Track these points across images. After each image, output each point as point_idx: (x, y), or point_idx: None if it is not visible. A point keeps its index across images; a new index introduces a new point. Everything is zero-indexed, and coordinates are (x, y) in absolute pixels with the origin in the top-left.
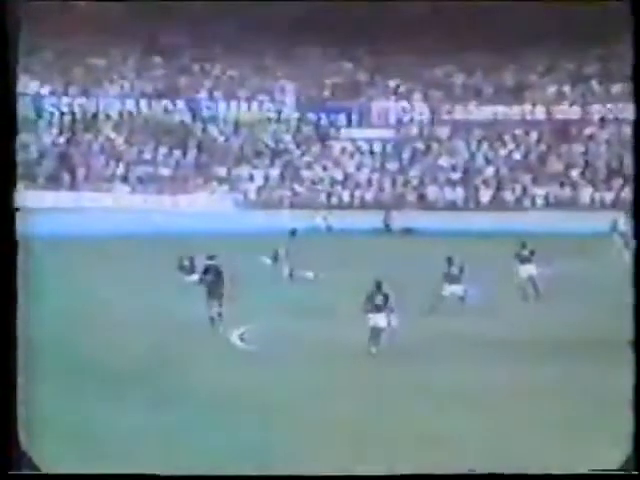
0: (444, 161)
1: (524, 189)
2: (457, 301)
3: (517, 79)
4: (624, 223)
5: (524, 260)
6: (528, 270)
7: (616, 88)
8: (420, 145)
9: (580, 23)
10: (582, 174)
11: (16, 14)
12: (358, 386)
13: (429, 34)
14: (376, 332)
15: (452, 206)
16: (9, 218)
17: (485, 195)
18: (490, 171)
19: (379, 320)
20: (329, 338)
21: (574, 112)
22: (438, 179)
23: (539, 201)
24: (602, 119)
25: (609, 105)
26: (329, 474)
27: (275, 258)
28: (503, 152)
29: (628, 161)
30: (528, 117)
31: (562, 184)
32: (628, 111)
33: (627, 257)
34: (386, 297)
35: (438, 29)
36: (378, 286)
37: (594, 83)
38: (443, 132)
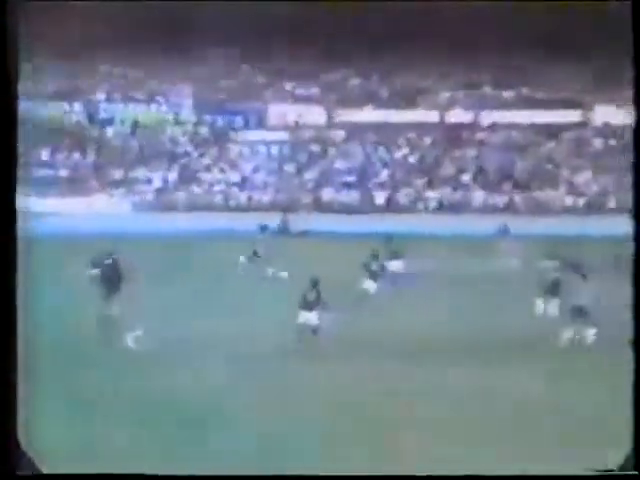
0: (340, 164)
1: (418, 192)
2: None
3: (411, 84)
4: (514, 227)
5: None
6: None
7: (508, 94)
8: (316, 148)
9: (472, 29)
10: (474, 178)
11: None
12: (263, 386)
13: (325, 38)
14: (307, 329)
15: (348, 208)
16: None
17: (380, 198)
18: (385, 174)
19: (310, 317)
20: (234, 337)
21: (466, 117)
22: (334, 182)
23: (432, 204)
24: (493, 124)
25: (500, 111)
26: (329, 474)
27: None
28: (397, 155)
29: (519, 165)
30: (422, 121)
31: (454, 188)
32: (519, 116)
33: (515, 260)
34: (319, 295)
35: (334, 33)
36: (314, 284)
37: (486, 89)
38: (339, 135)
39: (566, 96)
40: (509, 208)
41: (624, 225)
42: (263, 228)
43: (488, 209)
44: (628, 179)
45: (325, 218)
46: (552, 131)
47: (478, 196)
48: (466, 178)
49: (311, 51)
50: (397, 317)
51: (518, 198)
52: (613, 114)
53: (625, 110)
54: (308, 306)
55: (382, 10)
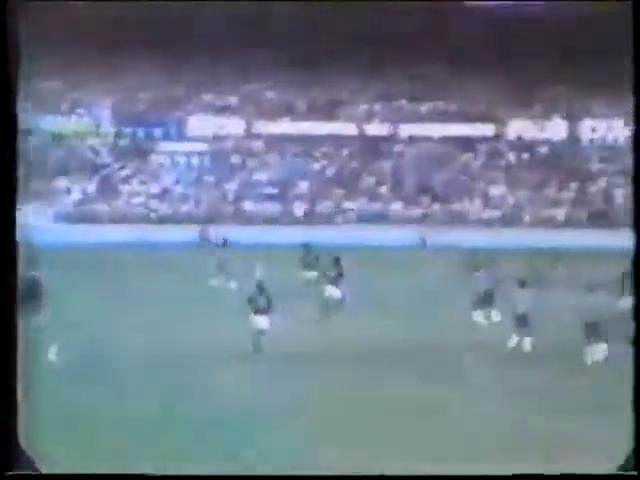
0: (259, 175)
1: (337, 204)
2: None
3: (329, 96)
4: (431, 238)
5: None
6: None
7: (424, 107)
8: (236, 159)
9: (390, 43)
10: (392, 190)
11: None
12: (205, 388)
13: (243, 49)
14: (258, 334)
15: (268, 220)
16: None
17: (299, 209)
18: (304, 186)
19: (261, 322)
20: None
21: (384, 129)
22: (254, 193)
23: (351, 215)
24: (410, 137)
25: (417, 123)
26: (329, 474)
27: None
28: (316, 167)
29: (436, 178)
30: (340, 134)
31: (373, 199)
32: (435, 129)
33: (436, 271)
34: (269, 300)
35: (253, 44)
36: (260, 289)
37: (403, 102)
38: (258, 147)
39: (481, 110)
40: (426, 220)
41: (539, 238)
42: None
43: (406, 221)
44: (542, 192)
45: (245, 230)
46: (467, 144)
47: (396, 208)
48: (384, 190)
49: (230, 62)
50: (341, 326)
51: (435, 210)
52: (526, 128)
53: (538, 125)
54: (259, 311)
55: (300, 23)
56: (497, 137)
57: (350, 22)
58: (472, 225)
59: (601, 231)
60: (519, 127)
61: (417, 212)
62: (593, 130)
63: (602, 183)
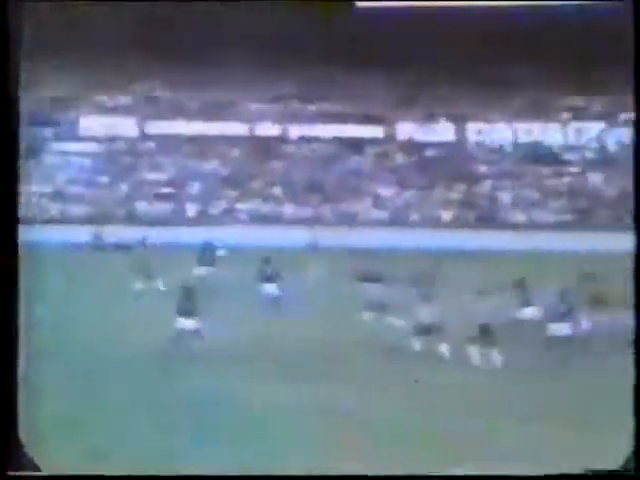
0: (152, 176)
1: (229, 204)
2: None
3: (221, 97)
4: (323, 239)
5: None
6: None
7: (314, 108)
8: (128, 160)
9: (281, 43)
10: (283, 191)
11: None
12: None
13: (135, 49)
14: (182, 335)
15: (160, 221)
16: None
17: (192, 210)
18: (196, 186)
19: (187, 324)
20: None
21: (275, 130)
22: (146, 194)
23: (243, 216)
24: (301, 138)
25: (308, 124)
26: (329, 474)
27: None
28: (208, 168)
29: (327, 178)
30: (231, 134)
31: (265, 200)
32: (325, 130)
33: (323, 271)
34: (193, 303)
35: (144, 44)
36: (187, 291)
37: (294, 103)
38: (150, 147)
39: (370, 111)
40: (318, 220)
41: (427, 238)
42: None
43: (297, 221)
44: (430, 193)
45: (138, 230)
46: (357, 145)
47: (287, 208)
48: (276, 191)
49: (121, 62)
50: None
51: (326, 210)
52: (414, 130)
53: (425, 127)
54: (185, 313)
55: (191, 21)
56: (386, 138)
57: (240, 22)
58: (362, 225)
59: (487, 232)
60: (407, 129)
61: (308, 213)
62: (479, 132)
63: (487, 185)
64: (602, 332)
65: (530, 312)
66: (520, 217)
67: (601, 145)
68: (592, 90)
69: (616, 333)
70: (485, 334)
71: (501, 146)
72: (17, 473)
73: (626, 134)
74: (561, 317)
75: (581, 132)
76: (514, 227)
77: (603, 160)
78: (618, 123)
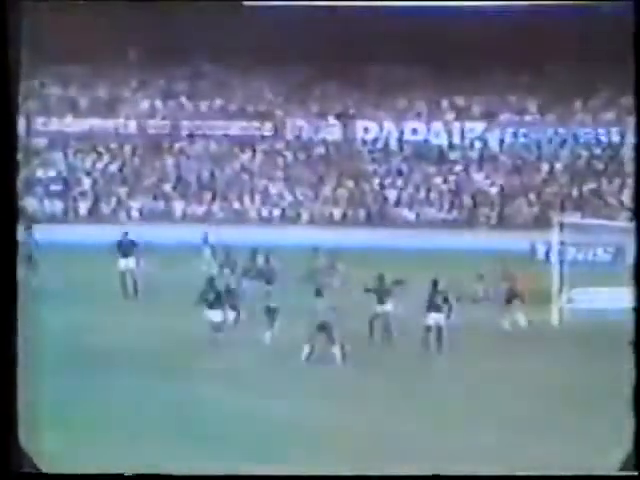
0: (42, 173)
1: (119, 201)
2: None
3: (111, 93)
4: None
5: None
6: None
7: (204, 104)
8: (18, 157)
9: (170, 39)
10: (174, 188)
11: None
12: None
13: (26, 43)
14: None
15: (52, 219)
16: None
17: (83, 207)
18: (87, 183)
19: None
20: None
21: (165, 127)
22: (36, 191)
23: (134, 214)
24: (191, 135)
25: (198, 121)
26: (330, 474)
27: None
28: (99, 165)
29: (218, 176)
30: (122, 131)
31: (155, 197)
32: (216, 127)
33: (214, 267)
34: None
35: (33, 39)
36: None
37: (183, 99)
38: (40, 144)
39: (260, 109)
40: (209, 217)
41: (317, 236)
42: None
43: (189, 219)
44: (319, 191)
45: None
46: (247, 142)
47: (179, 206)
48: (167, 188)
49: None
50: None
51: (217, 208)
52: (303, 128)
53: (314, 124)
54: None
55: (80, 20)
56: (276, 136)
57: (130, 17)
58: (252, 223)
59: (376, 230)
60: (297, 126)
61: (199, 210)
62: (367, 131)
63: (375, 183)
64: (473, 327)
65: (398, 308)
66: (408, 215)
67: (483, 144)
68: (475, 90)
69: (484, 327)
70: (323, 330)
71: (388, 145)
72: (17, 472)
73: (507, 134)
74: (438, 311)
75: (465, 131)
76: (402, 225)
77: (485, 159)
78: (499, 123)
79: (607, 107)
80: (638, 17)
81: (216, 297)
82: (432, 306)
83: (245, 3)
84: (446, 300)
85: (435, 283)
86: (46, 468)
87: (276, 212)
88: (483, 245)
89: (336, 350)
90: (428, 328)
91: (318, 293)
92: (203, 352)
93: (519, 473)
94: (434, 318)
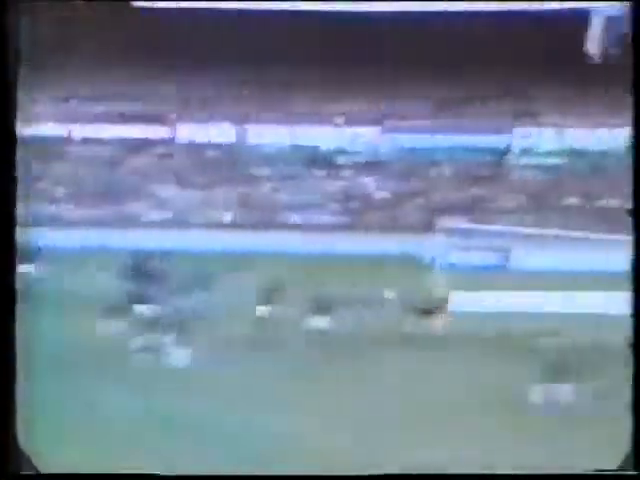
0: None
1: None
2: None
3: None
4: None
5: None
6: None
7: (99, 108)
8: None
9: (62, 42)
10: (67, 192)
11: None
12: None
13: None
14: None
15: None
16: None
17: None
18: None
19: None
20: None
21: (59, 130)
22: None
23: (28, 218)
24: (84, 139)
25: (92, 124)
26: (330, 474)
27: None
28: None
29: (111, 179)
30: (16, 135)
31: (50, 202)
32: (109, 131)
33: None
34: None
35: None
36: None
37: (75, 103)
38: None
39: (152, 112)
40: (101, 222)
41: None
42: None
43: (84, 223)
44: (211, 194)
45: None
46: (140, 146)
47: (71, 210)
48: (60, 192)
49: None
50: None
51: (109, 212)
52: (196, 132)
53: (206, 129)
54: None
55: None
56: (168, 139)
57: (26, 22)
58: (144, 227)
59: (267, 234)
60: (189, 130)
61: (92, 214)
62: (259, 135)
63: (266, 187)
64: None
65: (286, 311)
66: (298, 219)
67: (373, 150)
68: (365, 95)
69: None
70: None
71: (279, 149)
72: (17, 473)
73: (400, 139)
74: (324, 315)
75: (354, 137)
76: (292, 229)
77: (374, 164)
78: (389, 128)
79: (496, 113)
80: (638, 17)
81: (113, 303)
82: (318, 309)
83: (134, 4)
84: (332, 304)
85: (321, 287)
86: (46, 468)
87: (167, 216)
88: (372, 250)
89: (183, 352)
90: (313, 331)
91: (206, 294)
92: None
93: (519, 473)
94: (319, 321)
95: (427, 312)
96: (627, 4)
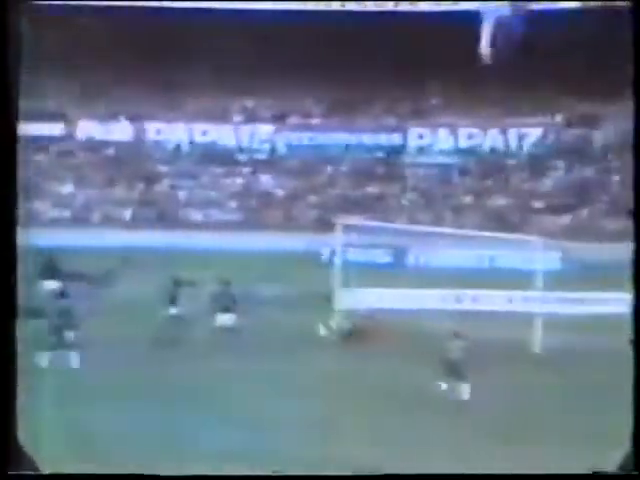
0: None
1: None
2: None
3: None
4: None
5: None
6: None
7: None
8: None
9: None
10: None
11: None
12: None
13: None
14: None
15: None
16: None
17: None
18: None
19: None
20: None
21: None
22: None
23: None
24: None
25: None
26: (330, 474)
27: None
28: None
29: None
30: None
31: None
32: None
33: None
34: None
35: None
36: None
37: None
38: None
39: (50, 109)
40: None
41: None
42: None
43: None
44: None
45: None
46: (38, 143)
47: None
48: None
49: None
50: None
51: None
52: (94, 128)
53: (105, 125)
54: None
55: None
56: (67, 136)
57: None
58: (43, 225)
59: (166, 231)
60: (88, 127)
61: None
62: (156, 132)
63: (165, 184)
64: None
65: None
66: (197, 216)
67: (272, 147)
68: (263, 93)
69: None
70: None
71: (179, 146)
72: (17, 473)
73: (297, 137)
74: (227, 312)
75: (252, 134)
76: (192, 226)
77: (272, 162)
78: (287, 126)
79: (388, 113)
80: (637, 17)
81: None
82: (221, 307)
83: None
84: (234, 301)
85: (224, 284)
86: (46, 468)
87: (66, 214)
88: (270, 246)
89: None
90: (217, 329)
91: (105, 292)
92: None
93: (519, 473)
94: (223, 319)
95: (325, 308)
96: (627, 4)
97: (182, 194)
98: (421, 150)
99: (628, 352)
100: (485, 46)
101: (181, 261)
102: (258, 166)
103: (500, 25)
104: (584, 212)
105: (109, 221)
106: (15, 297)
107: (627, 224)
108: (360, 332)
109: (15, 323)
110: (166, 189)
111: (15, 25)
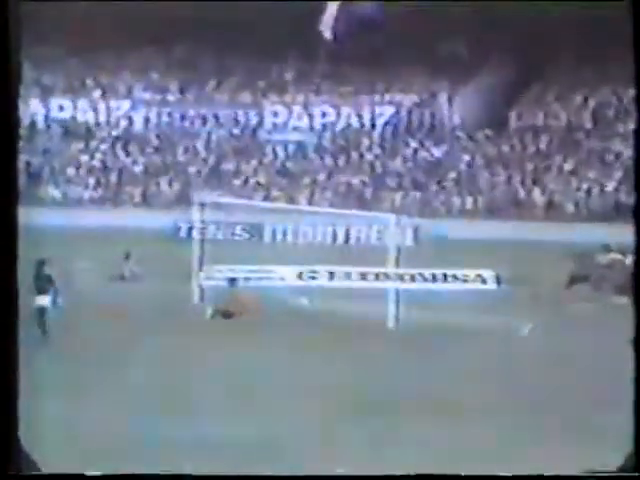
0: None
1: None
2: None
3: None
4: None
5: None
6: None
7: None
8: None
9: None
10: None
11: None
12: None
13: None
14: None
15: None
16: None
17: None
18: None
19: None
20: None
21: None
22: None
23: None
24: None
25: None
26: (330, 474)
27: None
28: None
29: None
30: None
31: None
32: None
33: None
34: None
35: None
36: None
37: None
38: None
39: None
40: None
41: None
42: None
43: None
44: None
45: None
46: None
47: None
48: None
49: None
50: None
51: None
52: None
53: None
54: None
55: None
56: None
57: None
58: None
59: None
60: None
61: None
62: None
63: (22, 160)
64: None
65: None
66: (55, 193)
67: (129, 123)
68: (119, 68)
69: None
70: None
71: (35, 122)
72: (17, 473)
73: (151, 113)
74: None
75: (110, 110)
76: (50, 204)
77: (130, 138)
78: (143, 102)
79: (243, 88)
80: (637, 17)
81: None
82: (38, 288)
83: None
84: (50, 281)
85: (41, 263)
86: (46, 468)
87: None
88: (128, 223)
89: None
90: (37, 311)
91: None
92: None
93: (519, 473)
94: (40, 300)
95: (181, 284)
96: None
97: (40, 171)
98: (276, 127)
99: (498, 329)
100: (326, 27)
101: (36, 240)
102: (116, 142)
103: (342, 7)
104: (434, 189)
105: None
106: (17, 297)
107: (476, 202)
108: (221, 309)
109: (17, 323)
110: (22, 166)
111: (15, 9)
